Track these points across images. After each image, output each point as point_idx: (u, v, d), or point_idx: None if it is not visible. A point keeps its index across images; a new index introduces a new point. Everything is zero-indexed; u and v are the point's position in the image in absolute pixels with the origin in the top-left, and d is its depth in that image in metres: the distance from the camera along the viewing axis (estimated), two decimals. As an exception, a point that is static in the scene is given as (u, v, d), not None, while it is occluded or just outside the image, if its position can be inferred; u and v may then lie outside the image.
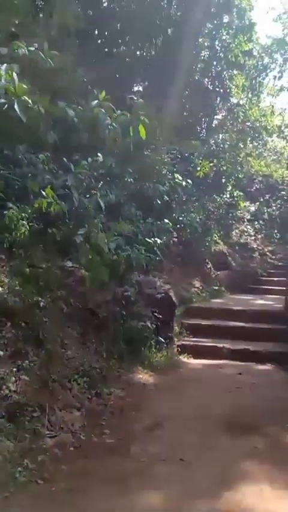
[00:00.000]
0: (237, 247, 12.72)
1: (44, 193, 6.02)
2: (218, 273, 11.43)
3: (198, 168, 12.36)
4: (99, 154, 7.87)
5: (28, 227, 5.71)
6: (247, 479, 3.29)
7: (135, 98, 11.13)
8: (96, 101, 7.54)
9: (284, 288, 10.99)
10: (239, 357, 6.83)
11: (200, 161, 12.29)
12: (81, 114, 7.63)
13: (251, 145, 19.08)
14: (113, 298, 6.18)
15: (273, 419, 4.60)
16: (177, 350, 6.86)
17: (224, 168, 12.51)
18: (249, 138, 16.78)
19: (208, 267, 11.27)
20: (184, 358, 6.78)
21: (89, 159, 7.66)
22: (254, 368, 6.57)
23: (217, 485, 3.19)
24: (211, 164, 12.35)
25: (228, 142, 12.70)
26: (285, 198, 16.05)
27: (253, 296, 10.81)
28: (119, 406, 4.59)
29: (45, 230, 6.26)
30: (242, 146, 13.94)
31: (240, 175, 13.33)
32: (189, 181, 11.10)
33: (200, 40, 14.80)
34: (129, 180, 8.83)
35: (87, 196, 7.48)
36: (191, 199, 12.01)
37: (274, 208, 15.35)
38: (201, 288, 10.06)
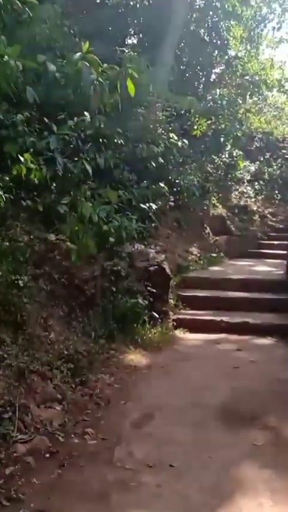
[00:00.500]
0: (236, 210, 12.08)
1: (22, 158, 5.40)
2: (217, 238, 10.87)
3: (195, 127, 11.58)
4: (86, 113, 7.19)
5: (4, 197, 5.11)
6: (245, 489, 2.85)
7: (126, 51, 10.28)
8: (79, 54, 6.74)
9: (285, 252, 10.50)
10: (238, 331, 6.37)
11: (197, 119, 11.49)
12: (64, 68, 6.87)
13: (250, 100, 18.07)
14: (101, 273, 5.65)
15: (273, 406, 4.16)
16: (173, 325, 6.40)
17: (223, 126, 11.72)
18: (248, 93, 15.86)
19: (206, 232, 10.71)
20: (180, 333, 6.32)
21: (76, 119, 7.00)
22: (254, 342, 6.12)
23: (210, 499, 2.75)
24: (208, 122, 11.56)
25: (226, 98, 11.83)
26: (286, 156, 15.26)
27: (253, 261, 10.30)
28: (106, 396, 4.13)
29: (26, 199, 5.68)
30: (240, 102, 13.07)
31: (239, 134, 12.53)
32: (186, 141, 10.37)
33: (196, -13, 13.65)
34: (119, 141, 8.12)
35: (75, 159, 6.86)
36: (188, 160, 11.31)
37: (275, 167, 14.58)
38: (199, 255, 9.51)
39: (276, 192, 13.64)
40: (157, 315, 6.03)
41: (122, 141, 8.15)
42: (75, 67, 6.84)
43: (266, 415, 3.97)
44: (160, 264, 6.38)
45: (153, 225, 8.92)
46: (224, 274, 8.35)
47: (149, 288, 6.08)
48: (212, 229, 10.90)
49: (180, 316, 6.62)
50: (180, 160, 10.81)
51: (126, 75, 7.04)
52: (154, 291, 6.11)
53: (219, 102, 11.45)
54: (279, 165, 14.74)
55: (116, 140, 8.09)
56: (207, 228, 10.74)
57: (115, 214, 6.77)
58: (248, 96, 16.67)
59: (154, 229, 9.02)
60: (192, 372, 4.97)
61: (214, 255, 9.85)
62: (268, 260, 10.48)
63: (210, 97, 11.99)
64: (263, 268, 9.25)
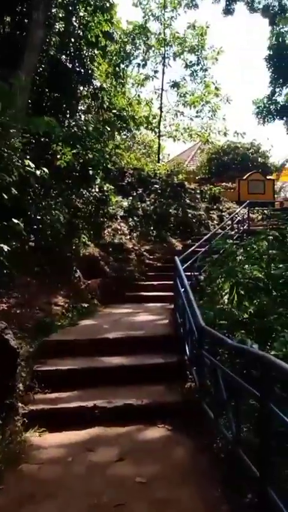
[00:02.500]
0: (110, 249, 10.21)
1: None
2: (89, 282, 8.84)
3: (59, 156, 9.61)
4: None
5: None
6: None
7: None
8: None
9: (166, 294, 8.85)
10: (118, 419, 4.27)
11: (60, 147, 9.53)
12: None
13: (119, 137, 16.87)
14: None
15: None
16: (23, 423, 4.07)
17: (90, 156, 9.89)
18: (116, 129, 14.51)
19: (76, 275, 8.62)
20: (34, 437, 4.01)
21: None
22: (141, 439, 4.06)
23: None
24: (73, 151, 9.66)
25: (92, 125, 10.08)
26: (159, 191, 13.99)
27: (132, 307, 8.44)
28: None
29: None
30: (108, 132, 11.47)
31: (108, 165, 10.83)
32: (46, 170, 8.30)
33: (53, 11, 11.96)
34: None
35: None
36: (52, 193, 9.24)
37: (148, 203, 13.17)
38: (66, 305, 7.36)
39: (152, 228, 12.15)
40: (-5, 416, 3.70)
41: None
42: None
43: None
44: (0, 335, 4.09)
45: (5, 271, 6.64)
46: (98, 331, 6.24)
47: (-19, 375, 3.75)
48: (83, 272, 8.86)
49: (36, 407, 4.33)
50: (42, 193, 8.73)
51: None
52: (-9, 377, 3.79)
53: (84, 128, 9.61)
54: (153, 200, 13.39)
55: None
56: (77, 271, 8.67)
57: None
58: (116, 133, 15.36)
59: (7, 278, 6.74)
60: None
61: (85, 305, 7.75)
62: (149, 304, 8.73)
63: (74, 123, 10.13)
64: (145, 317, 7.38)
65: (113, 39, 14.61)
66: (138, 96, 17.72)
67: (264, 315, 6.03)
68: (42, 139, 9.45)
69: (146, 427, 4.23)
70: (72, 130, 9.51)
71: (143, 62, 17.83)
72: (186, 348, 4.95)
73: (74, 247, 8.99)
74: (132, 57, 17.56)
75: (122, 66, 16.05)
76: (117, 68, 15.67)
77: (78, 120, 10.29)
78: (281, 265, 7.42)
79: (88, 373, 4.94)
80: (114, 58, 15.67)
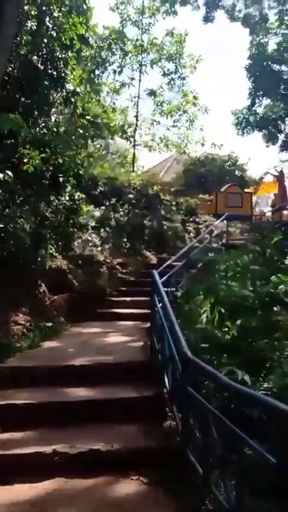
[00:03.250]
0: (80, 262, 9.40)
1: None
2: (55, 297, 8.02)
3: (26, 160, 8.81)
4: None
5: None
6: None
7: None
8: None
9: (140, 311, 8.15)
10: (83, 469, 3.49)
11: (28, 151, 8.74)
12: None
13: (92, 146, 16.21)
14: None
15: None
16: None
17: (60, 160, 9.14)
18: (90, 136, 13.82)
19: (41, 290, 7.79)
20: (-25, 495, 3.20)
21: None
22: (112, 495, 3.28)
23: None
24: (42, 155, 8.88)
25: (63, 127, 9.34)
26: (133, 202, 13.31)
27: (103, 326, 7.67)
28: None
29: None
30: (81, 135, 10.75)
31: (80, 171, 10.07)
32: (10, 173, 7.51)
33: (26, 8, 11.24)
34: None
35: None
36: (17, 200, 8.43)
37: (122, 213, 12.46)
38: (28, 324, 6.52)
39: (125, 240, 11.42)
40: None
41: None
42: None
43: None
44: None
45: None
46: (62, 356, 5.42)
47: None
48: (49, 286, 8.04)
49: (-19, 455, 3.51)
50: (6, 199, 7.92)
51: None
52: None
53: (54, 129, 8.84)
54: (126, 211, 12.69)
55: None
56: (42, 285, 7.85)
57: None
58: (89, 141, 14.68)
59: None
60: None
61: (48, 324, 6.92)
62: (121, 323, 7.99)
63: (44, 124, 9.37)
64: (117, 338, 6.62)
65: (88, 43, 13.97)
66: (114, 103, 17.15)
67: (251, 338, 5.40)
68: (8, 141, 8.68)
69: (116, 479, 3.46)
70: (42, 132, 8.73)
71: (119, 69, 17.30)
72: (166, 380, 4.21)
73: (39, 258, 8.18)
74: (108, 63, 17.01)
75: (97, 72, 15.46)
76: (92, 74, 15.06)
77: (47, 121, 9.50)
78: (263, 281, 6.87)
79: (49, 408, 4.13)
80: (89, 63, 15.06)
